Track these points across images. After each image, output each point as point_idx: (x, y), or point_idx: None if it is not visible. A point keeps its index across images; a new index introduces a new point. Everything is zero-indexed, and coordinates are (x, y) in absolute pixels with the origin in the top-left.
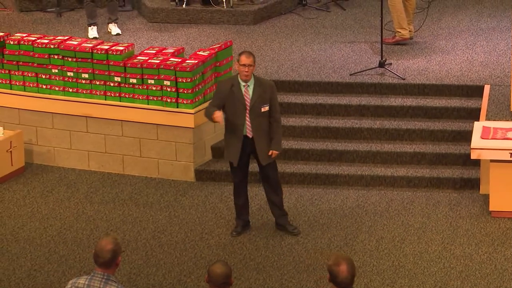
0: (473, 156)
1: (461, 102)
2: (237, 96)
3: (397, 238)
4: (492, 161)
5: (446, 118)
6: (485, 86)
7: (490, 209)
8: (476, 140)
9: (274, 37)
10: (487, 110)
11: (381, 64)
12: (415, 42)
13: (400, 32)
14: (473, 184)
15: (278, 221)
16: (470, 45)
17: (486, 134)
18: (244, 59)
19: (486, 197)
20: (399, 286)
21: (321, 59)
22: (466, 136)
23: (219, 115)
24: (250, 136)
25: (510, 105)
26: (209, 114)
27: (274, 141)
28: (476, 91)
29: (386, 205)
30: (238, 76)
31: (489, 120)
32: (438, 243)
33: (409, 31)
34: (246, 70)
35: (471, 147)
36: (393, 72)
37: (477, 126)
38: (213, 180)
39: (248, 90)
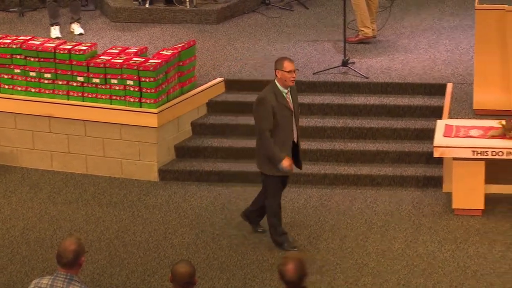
0: (436, 154)
1: (424, 100)
2: (284, 104)
3: (360, 236)
4: (455, 159)
5: (409, 116)
6: (448, 84)
7: (453, 207)
8: (439, 138)
9: (237, 36)
10: (449, 108)
11: (344, 63)
12: (378, 41)
13: (363, 31)
14: (436, 182)
15: (251, 217)
16: (432, 43)
17: (448, 132)
18: (290, 65)
19: (449, 195)
20: (362, 284)
21: None
22: (429, 135)
23: (289, 163)
24: (296, 142)
25: (472, 103)
26: (274, 156)
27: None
28: (438, 89)
29: (350, 203)
30: (277, 85)
31: (451, 118)
32: (401, 241)
33: (372, 29)
34: (294, 76)
35: (434, 145)
36: (356, 71)
37: (440, 124)
38: (177, 180)
39: (289, 96)
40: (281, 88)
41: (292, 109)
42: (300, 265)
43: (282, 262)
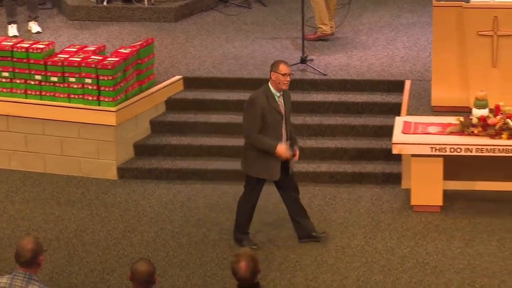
0: (395, 151)
1: (382, 97)
2: (274, 107)
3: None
4: (413, 155)
5: (368, 113)
6: (406, 81)
7: (412, 203)
8: (397, 135)
9: (196, 34)
10: (408, 105)
11: (303, 60)
12: (336, 38)
13: (321, 28)
14: (394, 178)
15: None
16: (390, 40)
17: (407, 129)
18: (285, 68)
19: (407, 192)
20: (321, 281)
21: (242, 55)
22: (387, 131)
23: (284, 148)
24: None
25: (430, 100)
26: (268, 147)
27: (295, 141)
28: (397, 86)
29: (309, 200)
30: (270, 87)
31: (410, 115)
32: (360, 238)
33: (331, 27)
34: (288, 79)
35: (393, 142)
36: (314, 68)
37: (399, 121)
38: (136, 178)
39: (281, 100)
40: (273, 91)
41: (283, 113)
42: (252, 262)
43: (234, 259)
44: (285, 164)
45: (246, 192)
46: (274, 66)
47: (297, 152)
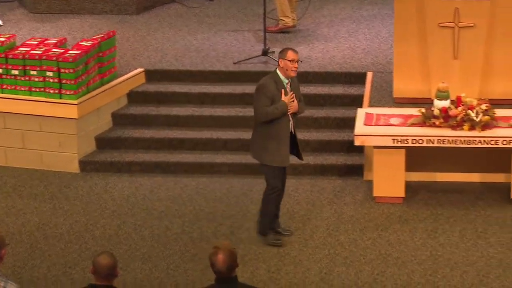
0: (357, 142)
1: (344, 89)
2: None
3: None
4: (375, 147)
5: (330, 105)
6: (368, 73)
7: (374, 195)
8: (359, 127)
9: (158, 26)
10: (370, 97)
11: (265, 53)
12: (298, 30)
13: (283, 20)
14: (357, 170)
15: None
16: (352, 32)
17: (369, 120)
18: (293, 55)
19: (370, 183)
20: (284, 273)
21: (204, 48)
22: (349, 123)
23: (288, 99)
24: (293, 133)
25: (392, 91)
26: (280, 109)
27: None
28: (359, 78)
29: None
30: (278, 74)
31: (372, 106)
32: (323, 230)
33: (292, 19)
34: (296, 66)
35: (355, 133)
36: (276, 60)
37: (360, 113)
38: (98, 171)
39: (289, 87)
40: (282, 77)
41: None
42: (230, 256)
43: (212, 251)
44: (294, 150)
45: (267, 181)
46: (282, 53)
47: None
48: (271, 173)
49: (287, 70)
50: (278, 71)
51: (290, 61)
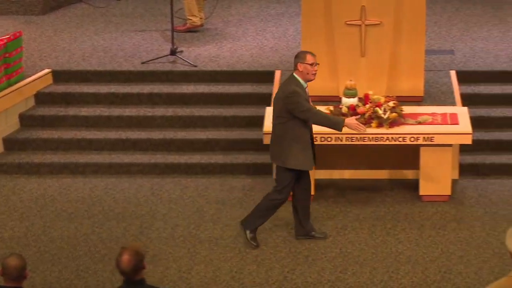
0: (266, 141)
1: (253, 88)
2: (306, 98)
3: (192, 225)
4: None
5: (238, 104)
6: (276, 71)
7: None
8: (268, 125)
9: (64, 26)
10: None
11: (173, 52)
12: (206, 29)
13: (191, 20)
14: (266, 169)
15: (305, 227)
16: (260, 31)
17: None
18: (313, 58)
19: None
20: (195, 272)
21: (112, 48)
22: (258, 122)
23: (353, 120)
24: (311, 137)
25: None
26: (337, 122)
27: None
28: (267, 76)
29: (181, 192)
30: (298, 78)
31: None
32: (234, 229)
33: (200, 18)
34: (316, 69)
35: (264, 132)
36: (184, 60)
37: (269, 111)
38: (5, 173)
39: (307, 90)
40: (302, 81)
41: (310, 103)
42: (135, 257)
43: (119, 252)
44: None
45: (278, 185)
46: (300, 58)
47: None
48: (289, 179)
49: (307, 74)
50: (296, 75)
51: (310, 64)
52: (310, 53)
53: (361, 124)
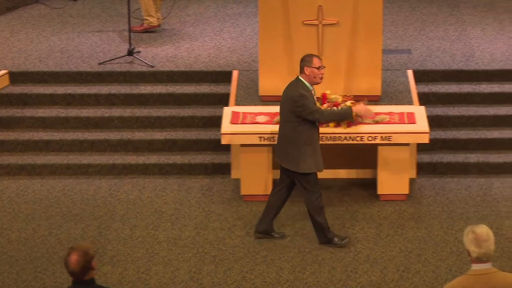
0: (224, 141)
1: (210, 88)
2: (313, 101)
3: (150, 225)
4: (242, 145)
5: (196, 104)
6: (234, 71)
7: (242, 193)
8: (226, 125)
9: (21, 27)
10: (236, 95)
11: (130, 52)
12: (163, 29)
13: (148, 20)
14: (224, 169)
15: (268, 225)
16: (217, 31)
17: (236, 119)
18: (319, 61)
19: (237, 182)
20: (154, 273)
21: (69, 48)
22: (216, 122)
23: (362, 105)
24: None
25: (258, 89)
26: (346, 113)
27: None
28: (225, 76)
29: (139, 192)
30: (304, 82)
31: (238, 105)
32: (192, 229)
33: (157, 18)
34: (323, 72)
35: (222, 132)
36: (142, 60)
37: (227, 111)
38: None
39: (313, 93)
40: (308, 84)
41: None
42: (83, 256)
43: (67, 252)
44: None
45: (307, 190)
46: (307, 61)
47: None
48: (312, 180)
49: (314, 77)
50: (302, 78)
51: (317, 68)
52: (317, 56)
53: (369, 108)
